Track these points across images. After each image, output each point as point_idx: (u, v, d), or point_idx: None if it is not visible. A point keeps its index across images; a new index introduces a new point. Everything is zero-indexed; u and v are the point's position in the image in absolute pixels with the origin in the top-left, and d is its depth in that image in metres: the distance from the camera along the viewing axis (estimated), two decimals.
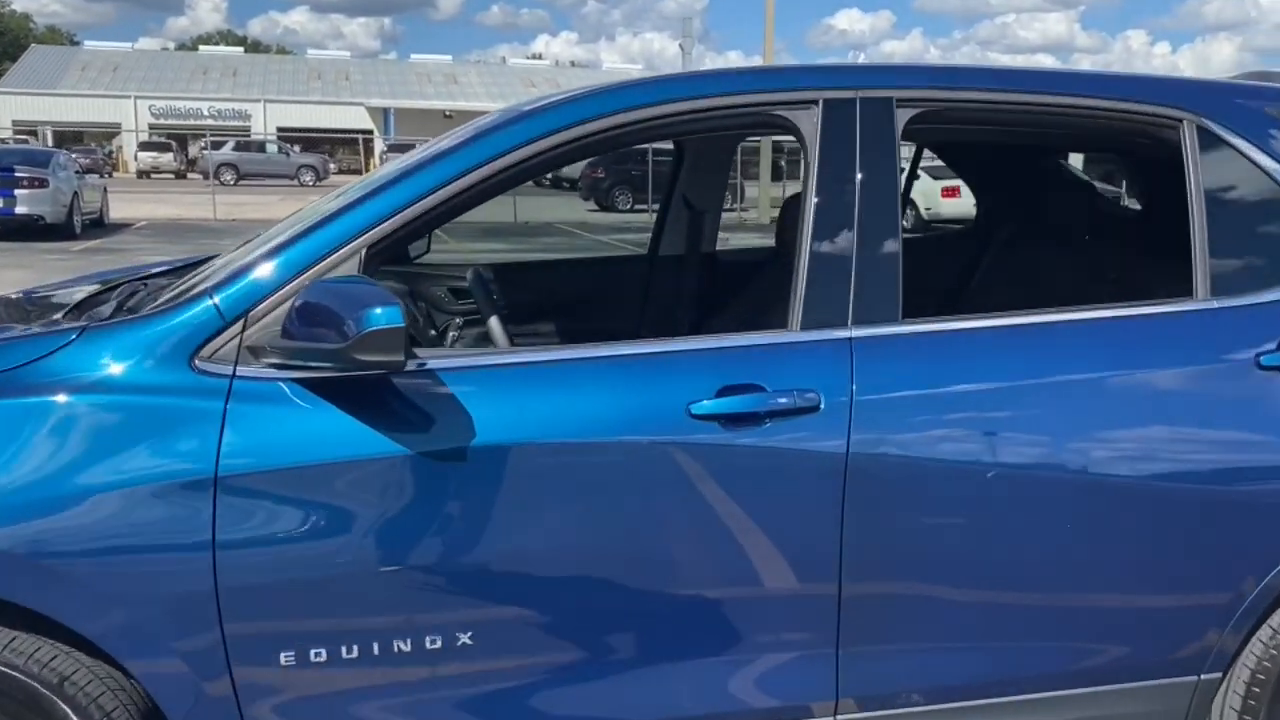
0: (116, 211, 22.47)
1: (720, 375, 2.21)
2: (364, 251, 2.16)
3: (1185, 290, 2.48)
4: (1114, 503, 2.31)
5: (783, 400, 2.20)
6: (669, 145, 4.08)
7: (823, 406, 2.21)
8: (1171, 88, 2.55)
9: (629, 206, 25.63)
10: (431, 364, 2.14)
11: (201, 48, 75.61)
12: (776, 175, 27.20)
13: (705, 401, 2.17)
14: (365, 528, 2.07)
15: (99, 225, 20.66)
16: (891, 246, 2.33)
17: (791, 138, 2.39)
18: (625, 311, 3.85)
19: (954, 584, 2.30)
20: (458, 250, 16.83)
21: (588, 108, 2.30)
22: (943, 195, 20.93)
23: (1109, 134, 2.65)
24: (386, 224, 2.18)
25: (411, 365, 2.11)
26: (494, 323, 2.52)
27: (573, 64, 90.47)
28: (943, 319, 2.36)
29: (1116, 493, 2.30)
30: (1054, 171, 4.05)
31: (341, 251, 2.15)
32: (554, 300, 3.82)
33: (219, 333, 2.09)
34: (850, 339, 2.28)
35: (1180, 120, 2.48)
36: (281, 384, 2.07)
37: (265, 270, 2.13)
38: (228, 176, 38.91)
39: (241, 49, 79.59)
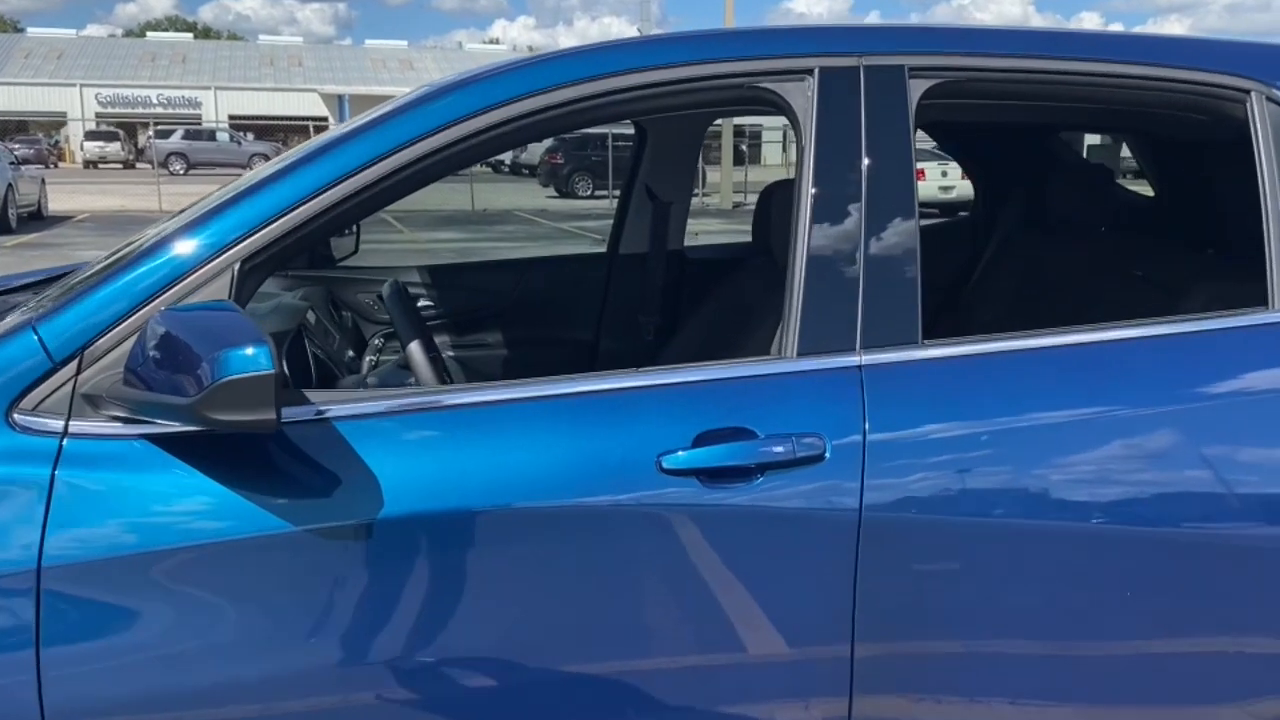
0: (57, 203, 21.63)
1: (698, 418, 1.75)
2: (237, 267, 1.67)
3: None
4: (1215, 555, 1.88)
5: (778, 449, 1.74)
6: (631, 128, 3.61)
7: (828, 454, 1.75)
8: (1237, 53, 2.10)
9: (589, 193, 25.11)
10: (333, 410, 1.66)
11: (150, 34, 73.94)
12: (738, 160, 26.76)
13: (680, 453, 1.71)
14: (241, 630, 1.59)
15: (37, 218, 19.82)
16: (908, 250, 1.88)
17: (776, 118, 1.92)
18: (581, 320, 3.37)
19: (998, 647, 1.87)
20: (412, 241, 16.29)
21: (516, 83, 1.82)
22: None
23: (1156, 108, 2.20)
24: (267, 230, 1.69)
25: (304, 414, 1.63)
26: (415, 351, 2.03)
27: (530, 49, 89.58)
28: (977, 340, 1.90)
29: (1219, 546, 1.87)
30: (1063, 153, 3.62)
31: (204, 270, 1.66)
32: (499, 309, 3.34)
33: (45, 377, 1.60)
34: (860, 367, 1.82)
35: (1248, 91, 2.04)
36: (128, 443, 1.58)
37: (106, 294, 1.64)
38: (177, 166, 37.89)
39: (191, 35, 77.93)
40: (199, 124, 47.33)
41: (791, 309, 1.84)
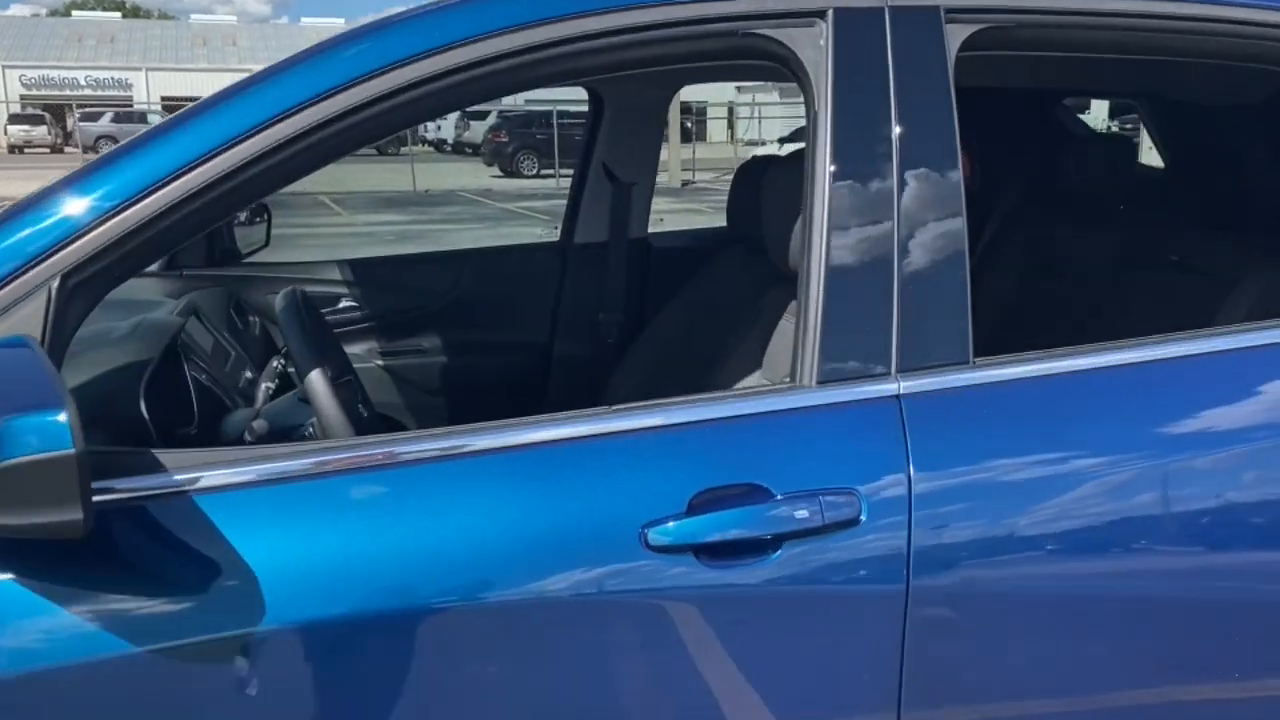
0: None
1: (692, 472, 1.32)
2: (55, 285, 1.21)
3: None
4: None
5: (800, 512, 1.31)
6: (581, 103, 3.14)
7: (864, 515, 1.33)
8: None
9: (535, 172, 24.49)
10: (198, 479, 1.21)
11: (75, 13, 71.48)
12: (684, 137, 26.28)
13: (670, 523, 1.28)
14: None
15: None
16: (953, 244, 1.46)
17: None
18: (532, 320, 2.92)
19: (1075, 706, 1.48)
20: (350, 225, 15.64)
21: (442, 29, 1.36)
22: None
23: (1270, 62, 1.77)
24: (100, 231, 1.23)
25: (150, 486, 1.18)
26: (317, 384, 1.55)
27: None
28: (1042, 357, 1.49)
29: None
30: (1066, 120, 3.22)
31: (5, 290, 1.19)
32: (436, 309, 2.87)
33: None
34: (899, 396, 1.40)
35: None
36: None
37: None
38: (107, 150, 36.58)
39: (119, 14, 75.58)
40: (130, 106, 45.86)
41: (808, 324, 1.41)
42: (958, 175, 1.47)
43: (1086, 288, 2.64)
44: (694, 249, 2.95)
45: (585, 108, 3.01)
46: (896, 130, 1.45)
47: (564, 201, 3.05)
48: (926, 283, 1.44)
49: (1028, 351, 1.50)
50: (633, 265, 2.93)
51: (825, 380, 1.40)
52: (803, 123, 1.54)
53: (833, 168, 1.44)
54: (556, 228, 3.22)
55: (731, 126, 31.24)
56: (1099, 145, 2.77)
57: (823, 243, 1.42)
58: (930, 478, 1.37)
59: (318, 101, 1.29)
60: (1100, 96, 3.25)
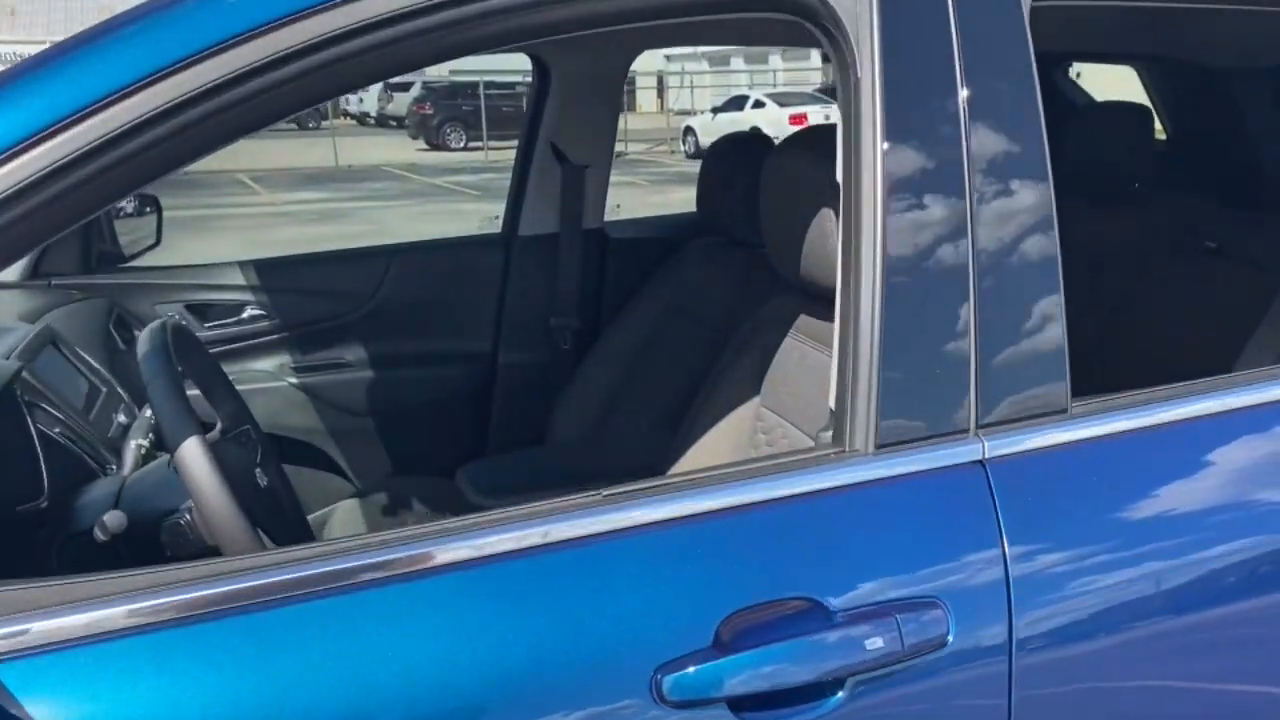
0: None
1: (719, 585, 0.96)
2: None
3: None
4: None
5: (871, 638, 0.95)
6: (513, 74, 2.72)
7: (952, 632, 0.98)
8: None
9: (463, 145, 23.79)
10: (36, 631, 0.82)
11: None
12: None
13: (690, 668, 0.91)
14: None
15: None
16: (1043, 256, 1.10)
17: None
18: (472, 326, 2.52)
19: None
20: (270, 204, 14.93)
21: None
22: (791, 124, 19.77)
23: None
24: None
25: None
26: (191, 460, 1.11)
27: None
28: (1162, 400, 1.14)
29: None
30: (1069, 90, 2.90)
31: None
32: (360, 315, 2.46)
33: None
34: (984, 461, 1.05)
35: None
36: None
37: None
38: None
39: None
40: None
41: (857, 366, 1.05)
42: (1045, 164, 1.12)
43: (1105, 276, 2.32)
44: (659, 240, 2.56)
45: (514, 79, 2.59)
46: (966, 105, 1.09)
47: (495, 175, 2.65)
48: (1012, 308, 1.08)
49: (1133, 390, 1.15)
50: (588, 260, 2.54)
51: (887, 443, 1.03)
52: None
53: (886, 158, 1.07)
54: (497, 217, 2.80)
55: (662, 96, 30.76)
56: (1111, 114, 2.44)
57: (875, 259, 1.05)
58: (1033, 568, 1.02)
59: (239, 44, 0.89)
60: (1106, 60, 2.91)
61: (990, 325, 1.07)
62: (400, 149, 23.30)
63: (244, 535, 1.09)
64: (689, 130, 20.15)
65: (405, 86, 26.88)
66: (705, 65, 34.12)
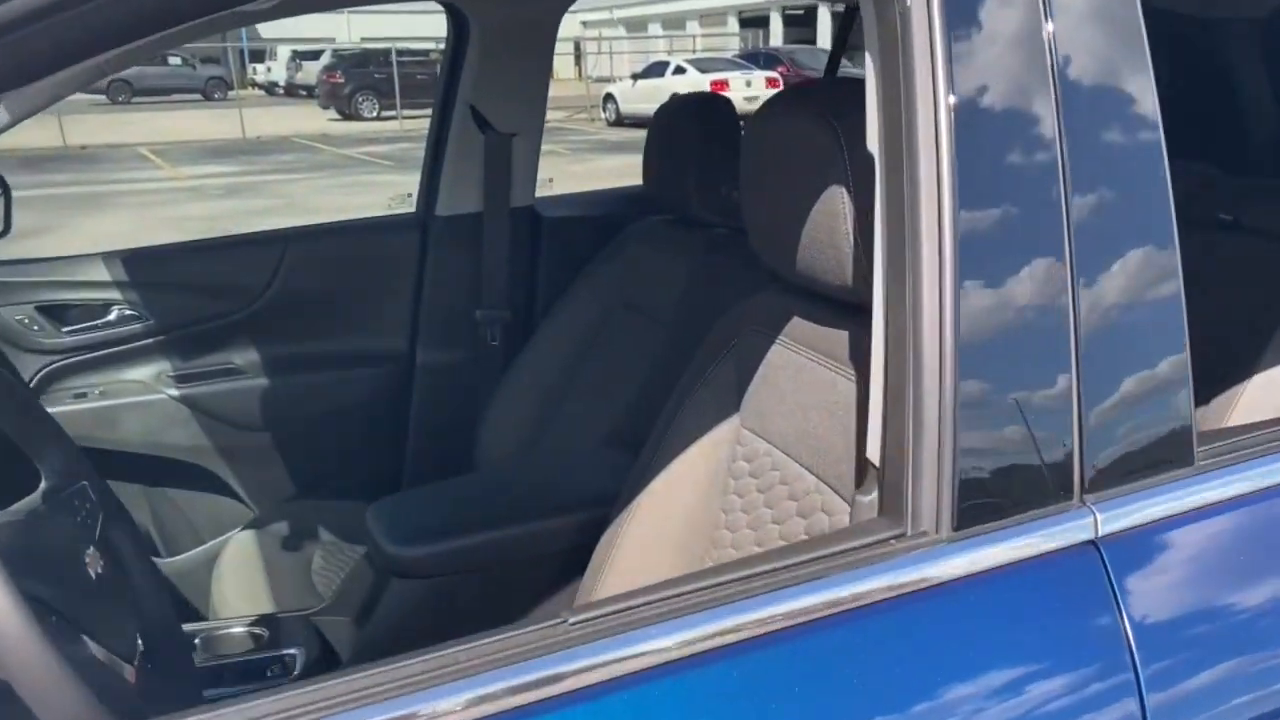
0: None
1: None
2: None
3: None
4: None
5: None
6: (427, 39, 2.35)
7: None
8: None
9: (375, 114, 23.08)
10: None
11: None
12: None
13: None
14: None
15: None
16: (1162, 269, 0.81)
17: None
18: (384, 321, 2.18)
19: None
20: (174, 178, 14.20)
21: None
22: (713, 89, 19.48)
23: None
24: None
25: None
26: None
27: None
28: None
29: None
30: None
31: None
32: (250, 312, 2.09)
33: None
34: (1097, 542, 0.75)
35: None
36: None
37: None
38: None
39: None
40: None
41: (920, 413, 0.74)
42: (1160, 148, 0.82)
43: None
44: (599, 218, 2.23)
45: (428, 45, 2.23)
46: (1052, 40, 0.79)
47: (411, 145, 2.29)
48: (1123, 338, 0.79)
49: (1257, 427, 0.87)
50: (517, 242, 2.20)
51: (968, 523, 0.73)
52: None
53: (956, 117, 0.76)
54: (410, 194, 2.44)
55: (579, 63, 30.22)
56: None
57: (944, 266, 0.74)
58: (1166, 674, 0.73)
59: None
60: None
61: (1097, 362, 0.77)
62: (310, 119, 22.55)
63: (46, 675, 0.75)
64: (609, 97, 19.84)
65: (315, 55, 26.09)
66: (623, 31, 33.61)
